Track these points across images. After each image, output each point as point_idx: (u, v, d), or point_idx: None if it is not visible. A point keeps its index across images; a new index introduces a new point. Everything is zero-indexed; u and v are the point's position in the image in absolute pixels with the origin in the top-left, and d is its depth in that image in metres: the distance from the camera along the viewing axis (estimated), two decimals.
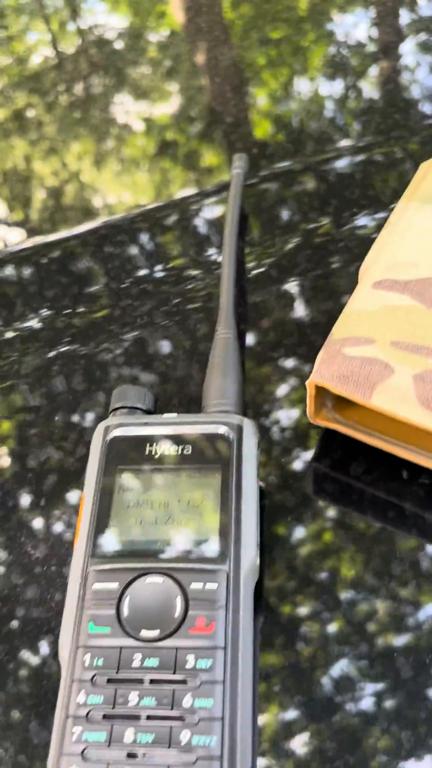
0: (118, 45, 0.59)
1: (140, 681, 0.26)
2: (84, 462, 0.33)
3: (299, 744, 0.29)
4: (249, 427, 0.32)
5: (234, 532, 0.28)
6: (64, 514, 0.35)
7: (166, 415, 0.32)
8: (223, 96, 0.55)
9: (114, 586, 0.27)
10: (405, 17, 0.59)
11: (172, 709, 0.25)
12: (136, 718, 0.25)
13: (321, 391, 0.32)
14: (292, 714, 0.29)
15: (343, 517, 0.34)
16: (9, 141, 0.54)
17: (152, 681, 0.26)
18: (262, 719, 0.29)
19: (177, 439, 0.31)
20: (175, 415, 0.32)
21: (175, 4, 0.61)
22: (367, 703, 0.29)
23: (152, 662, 0.26)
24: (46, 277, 0.46)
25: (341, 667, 0.30)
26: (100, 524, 0.29)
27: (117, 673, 0.26)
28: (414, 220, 0.36)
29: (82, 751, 0.25)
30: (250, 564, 0.28)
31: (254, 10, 0.60)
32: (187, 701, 0.25)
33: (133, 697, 0.25)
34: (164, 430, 0.32)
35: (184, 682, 0.26)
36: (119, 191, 0.51)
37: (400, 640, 0.31)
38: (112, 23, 0.60)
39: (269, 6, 0.60)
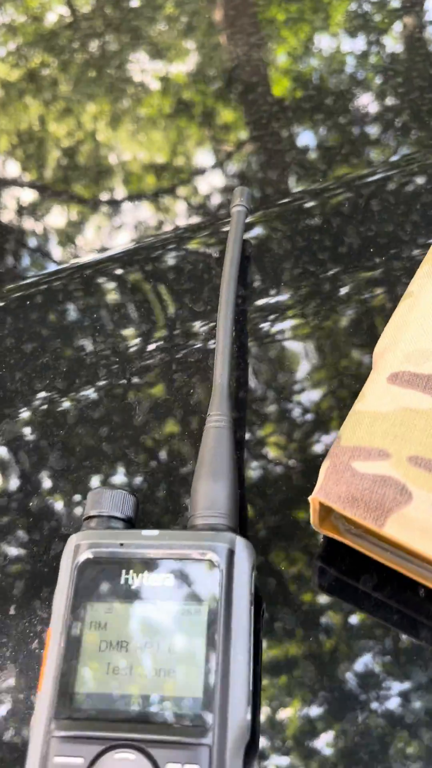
0: (134, 2, 0.57)
1: None
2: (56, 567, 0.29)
3: None
4: (242, 549, 0.27)
5: (220, 691, 0.24)
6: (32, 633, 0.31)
7: (145, 533, 0.28)
8: (240, 53, 0.54)
9: (78, 762, 0.23)
10: None
11: None
12: None
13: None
14: None
15: (350, 639, 0.29)
16: (23, 100, 0.53)
17: None
18: None
19: (157, 567, 0.27)
20: (156, 532, 0.28)
21: None
22: None
23: None
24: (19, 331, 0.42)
25: None
26: (66, 674, 0.25)
27: None
28: None
29: None
30: (239, 730, 0.24)
31: None
32: None
33: None
34: (143, 554, 0.27)
35: None
36: (135, 150, 0.50)
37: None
38: None
39: None
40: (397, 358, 0.29)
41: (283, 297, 0.41)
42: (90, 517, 0.29)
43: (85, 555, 0.27)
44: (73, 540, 0.28)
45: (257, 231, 0.44)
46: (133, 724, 0.24)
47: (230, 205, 0.41)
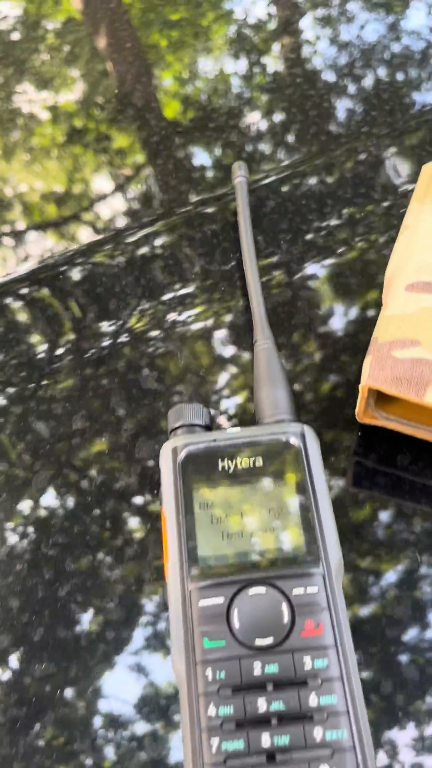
0: (15, 35, 0.57)
1: (264, 687, 0.27)
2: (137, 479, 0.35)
3: None
4: (310, 433, 0.33)
5: (319, 534, 0.30)
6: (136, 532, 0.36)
7: (230, 430, 0.33)
8: (128, 79, 0.54)
9: (220, 600, 0.28)
10: None
11: (300, 710, 0.26)
12: (268, 722, 0.26)
13: (368, 393, 0.34)
14: None
15: (399, 505, 0.35)
16: None
17: (276, 686, 0.27)
18: None
19: (248, 452, 0.32)
20: (238, 429, 0.33)
21: None
22: None
23: (272, 668, 0.27)
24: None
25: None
26: (190, 542, 0.30)
27: (241, 682, 0.27)
28: None
29: (224, 761, 0.26)
30: (338, 562, 0.30)
31: None
32: (312, 700, 0.27)
33: (261, 703, 0.27)
34: (233, 444, 0.32)
35: (305, 683, 0.27)
36: (31, 181, 0.49)
37: None
38: (5, 11, 0.58)
39: None
40: (409, 273, 0.36)
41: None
42: (175, 429, 0.34)
43: (185, 452, 0.32)
44: (168, 445, 0.33)
45: (163, 239, 0.45)
46: (258, 566, 0.29)
47: (233, 178, 0.46)
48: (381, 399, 0.35)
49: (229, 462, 0.32)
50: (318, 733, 0.26)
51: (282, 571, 0.29)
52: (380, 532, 0.35)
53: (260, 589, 0.28)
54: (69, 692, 0.32)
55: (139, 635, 0.34)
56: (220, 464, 0.32)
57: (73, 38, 0.56)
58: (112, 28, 0.57)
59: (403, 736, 0.31)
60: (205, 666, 0.27)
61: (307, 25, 0.57)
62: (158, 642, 0.33)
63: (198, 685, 0.27)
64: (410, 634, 0.33)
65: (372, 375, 0.33)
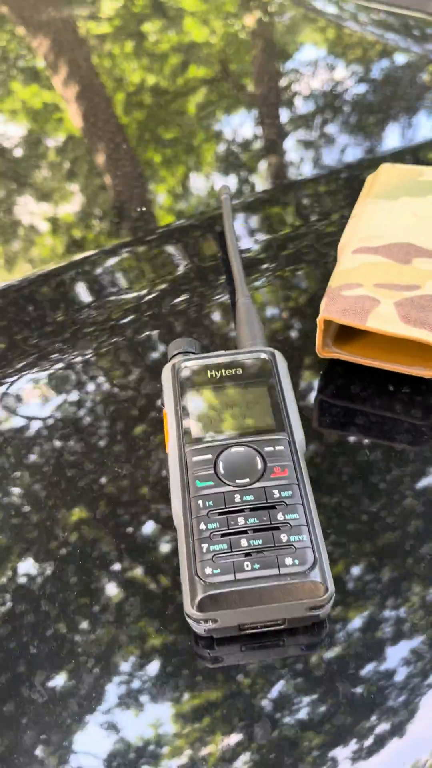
0: (18, 152, 0.60)
1: (242, 510, 0.36)
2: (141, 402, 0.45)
3: None
4: (279, 355, 0.43)
5: (286, 417, 0.39)
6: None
7: (217, 352, 0.43)
8: (124, 192, 0.57)
9: (209, 456, 0.38)
10: (285, 115, 0.63)
11: (270, 523, 0.35)
12: (245, 532, 0.35)
13: (325, 331, 0.44)
14: None
15: (351, 419, 0.45)
16: None
17: (252, 509, 0.36)
18: None
19: (230, 365, 0.42)
20: (223, 351, 0.43)
21: (71, 110, 0.64)
22: None
23: (249, 497, 0.36)
24: None
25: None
26: (185, 424, 0.39)
27: (225, 507, 0.36)
28: (374, 210, 0.50)
29: (212, 558, 0.34)
30: (301, 437, 0.39)
31: (146, 114, 0.63)
32: (280, 516, 0.35)
33: (240, 520, 0.35)
34: (219, 361, 0.42)
35: (274, 507, 0.36)
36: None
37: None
38: (11, 131, 0.61)
39: (160, 110, 0.63)
40: (355, 242, 0.47)
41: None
42: (174, 355, 0.43)
43: (183, 365, 0.42)
44: (168, 365, 0.42)
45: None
46: (239, 434, 0.38)
47: (219, 196, 0.55)
48: (337, 341, 0.44)
49: (216, 372, 0.41)
50: (284, 537, 0.35)
51: (256, 437, 0.38)
52: (340, 434, 0.43)
53: (239, 448, 0.38)
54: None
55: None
56: (209, 374, 0.41)
57: (73, 155, 0.60)
58: (109, 145, 0.61)
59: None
60: (197, 499, 0.36)
61: (290, 146, 0.61)
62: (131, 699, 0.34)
63: (192, 512, 0.36)
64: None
65: (326, 309, 0.43)
